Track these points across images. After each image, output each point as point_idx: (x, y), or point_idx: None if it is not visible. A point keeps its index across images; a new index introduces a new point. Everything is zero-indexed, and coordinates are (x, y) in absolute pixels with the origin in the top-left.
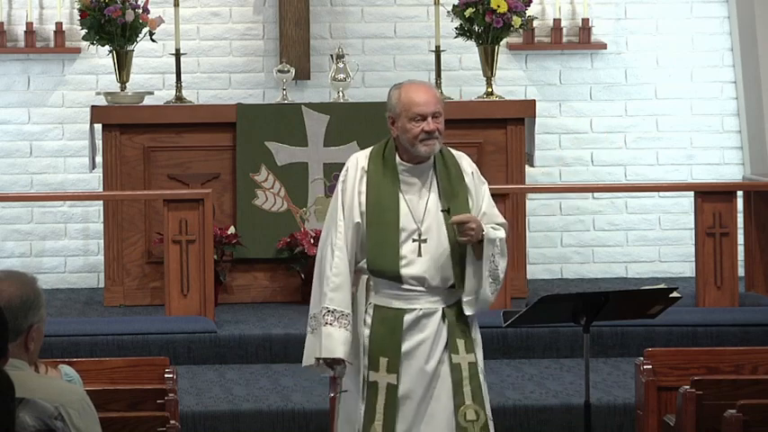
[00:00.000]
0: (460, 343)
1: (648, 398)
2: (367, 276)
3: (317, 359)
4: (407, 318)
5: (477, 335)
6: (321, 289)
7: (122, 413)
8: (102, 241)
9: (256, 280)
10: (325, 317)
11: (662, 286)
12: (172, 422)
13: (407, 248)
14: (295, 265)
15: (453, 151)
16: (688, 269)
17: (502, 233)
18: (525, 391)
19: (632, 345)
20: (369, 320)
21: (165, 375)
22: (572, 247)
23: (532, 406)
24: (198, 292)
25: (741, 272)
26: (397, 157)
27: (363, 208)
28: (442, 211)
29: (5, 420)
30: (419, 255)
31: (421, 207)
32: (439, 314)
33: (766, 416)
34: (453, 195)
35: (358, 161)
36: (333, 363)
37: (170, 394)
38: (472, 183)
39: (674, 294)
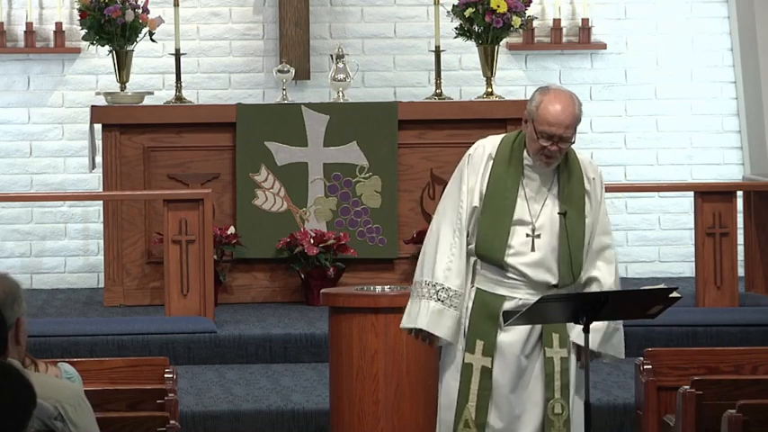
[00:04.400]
0: (555, 337)
1: (648, 398)
2: (474, 259)
3: (418, 330)
4: (507, 305)
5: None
6: (435, 261)
7: (122, 413)
8: (102, 241)
9: (256, 280)
10: (439, 293)
11: (662, 286)
12: (172, 422)
13: (518, 240)
14: (295, 265)
15: (580, 156)
16: (688, 269)
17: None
18: None
19: (632, 345)
20: (470, 303)
21: (165, 375)
22: None
23: None
24: (198, 292)
25: (741, 272)
26: (525, 152)
27: (482, 194)
28: (558, 213)
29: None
30: (532, 249)
31: (539, 203)
32: None
33: (766, 416)
34: (571, 199)
35: (485, 148)
36: (431, 337)
37: (170, 394)
38: (593, 189)
39: (674, 294)
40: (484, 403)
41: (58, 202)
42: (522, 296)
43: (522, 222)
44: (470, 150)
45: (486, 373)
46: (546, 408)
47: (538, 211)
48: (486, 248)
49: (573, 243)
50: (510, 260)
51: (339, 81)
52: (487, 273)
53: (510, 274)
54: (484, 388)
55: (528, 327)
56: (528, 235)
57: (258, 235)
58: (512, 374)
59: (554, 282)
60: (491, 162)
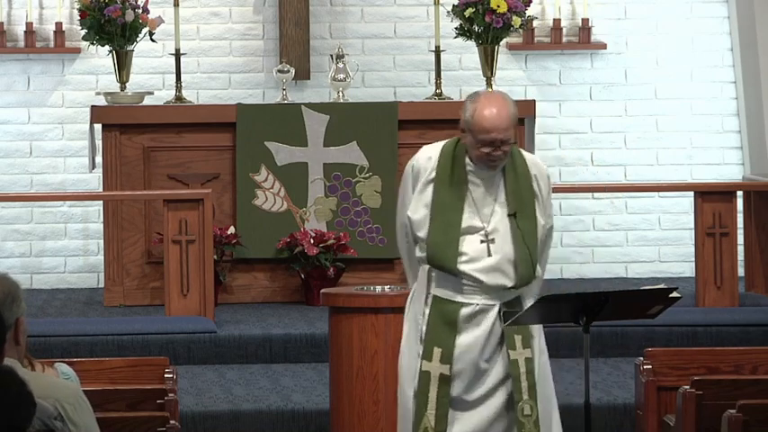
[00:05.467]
0: (518, 338)
1: (648, 398)
2: (429, 267)
3: None
4: (464, 311)
5: (537, 330)
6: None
7: (122, 413)
8: (102, 241)
9: (256, 280)
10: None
11: (662, 286)
12: (172, 422)
13: (473, 247)
14: (295, 265)
15: (525, 154)
16: (688, 269)
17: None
18: None
19: (632, 345)
20: (427, 310)
21: (165, 375)
22: (572, 247)
23: None
24: (198, 292)
25: (741, 272)
26: (467, 158)
27: (428, 205)
28: (508, 215)
29: None
30: (488, 254)
31: (488, 208)
32: (495, 310)
33: (766, 416)
34: (521, 199)
35: (431, 156)
36: None
37: (170, 394)
38: (540, 188)
39: (674, 294)
40: (443, 411)
41: (58, 202)
42: (479, 301)
43: (474, 229)
44: (413, 161)
45: (445, 380)
46: (516, 410)
47: (488, 216)
48: (438, 258)
49: (528, 242)
50: (463, 267)
51: (339, 81)
52: (442, 280)
53: (464, 281)
54: (443, 395)
55: (486, 330)
56: (482, 241)
57: (258, 235)
58: (469, 379)
59: (510, 284)
60: (434, 173)
